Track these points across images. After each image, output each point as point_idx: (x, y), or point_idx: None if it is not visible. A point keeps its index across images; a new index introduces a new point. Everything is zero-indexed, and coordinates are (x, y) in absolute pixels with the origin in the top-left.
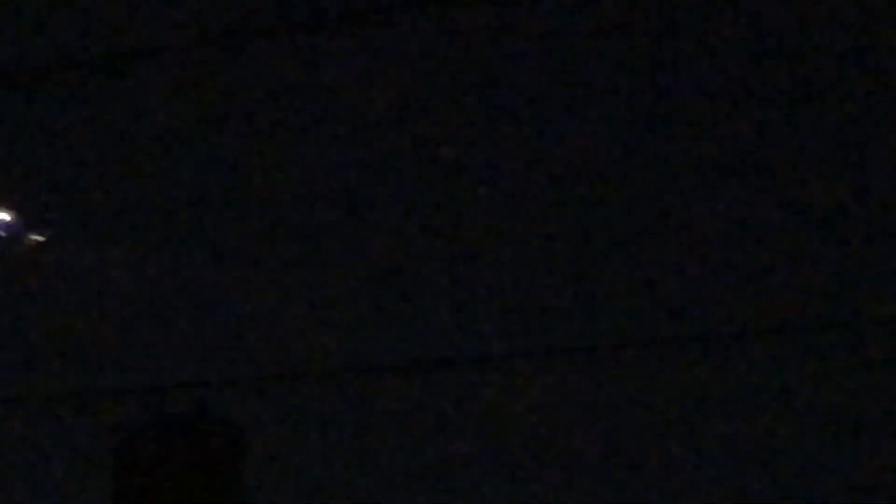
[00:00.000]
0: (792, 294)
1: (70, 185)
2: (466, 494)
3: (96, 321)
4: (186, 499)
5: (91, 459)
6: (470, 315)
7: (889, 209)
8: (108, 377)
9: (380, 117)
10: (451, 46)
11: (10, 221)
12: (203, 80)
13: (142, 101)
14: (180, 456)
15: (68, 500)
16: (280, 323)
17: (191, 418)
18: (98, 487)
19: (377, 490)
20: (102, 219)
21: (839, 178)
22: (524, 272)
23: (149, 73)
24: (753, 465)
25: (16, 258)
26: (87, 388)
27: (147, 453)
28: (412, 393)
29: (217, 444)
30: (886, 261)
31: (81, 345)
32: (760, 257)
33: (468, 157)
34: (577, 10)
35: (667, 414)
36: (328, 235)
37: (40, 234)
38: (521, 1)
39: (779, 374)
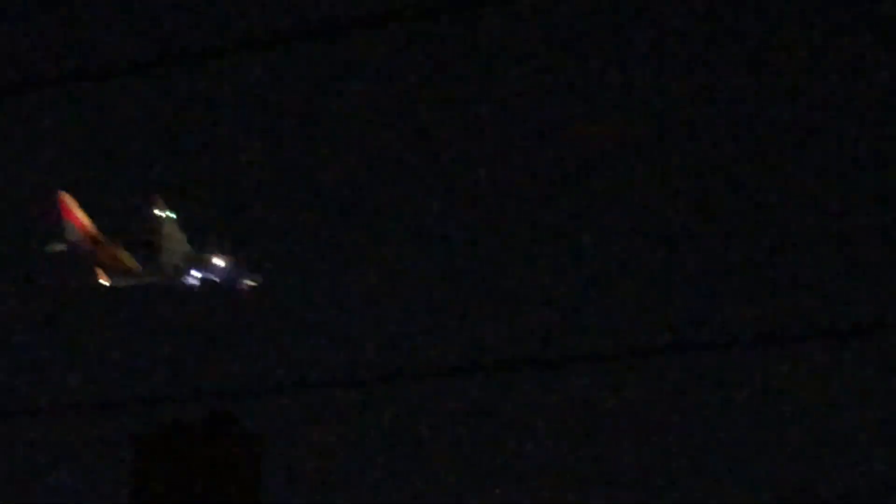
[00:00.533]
0: (804, 302)
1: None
2: (484, 498)
3: (115, 332)
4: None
5: (111, 465)
6: (481, 322)
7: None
8: (127, 386)
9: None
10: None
11: (225, 267)
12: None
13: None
14: (198, 462)
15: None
16: (296, 333)
17: (208, 426)
18: (118, 492)
19: (392, 495)
20: None
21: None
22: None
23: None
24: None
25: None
26: (107, 397)
27: (166, 460)
28: (428, 399)
29: (234, 450)
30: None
31: (101, 355)
32: (780, 266)
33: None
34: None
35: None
36: (344, 247)
37: (253, 280)
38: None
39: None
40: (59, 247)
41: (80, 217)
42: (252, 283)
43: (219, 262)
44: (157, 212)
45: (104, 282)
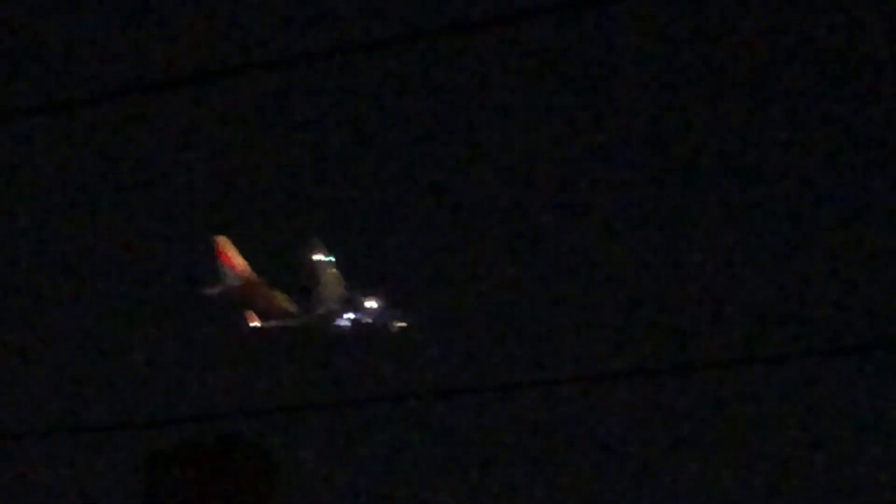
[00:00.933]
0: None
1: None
2: None
3: (129, 352)
4: None
5: (124, 487)
6: (485, 343)
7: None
8: (141, 407)
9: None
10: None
11: (376, 309)
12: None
13: None
14: (211, 483)
15: None
16: (310, 353)
17: (221, 446)
18: None
19: None
20: None
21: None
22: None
23: None
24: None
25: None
26: (121, 418)
27: (179, 481)
28: (437, 420)
29: (247, 471)
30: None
31: (113, 376)
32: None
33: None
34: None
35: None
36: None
37: (404, 321)
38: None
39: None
40: (216, 290)
41: (237, 260)
42: (402, 325)
43: (371, 303)
44: (315, 256)
45: (255, 324)
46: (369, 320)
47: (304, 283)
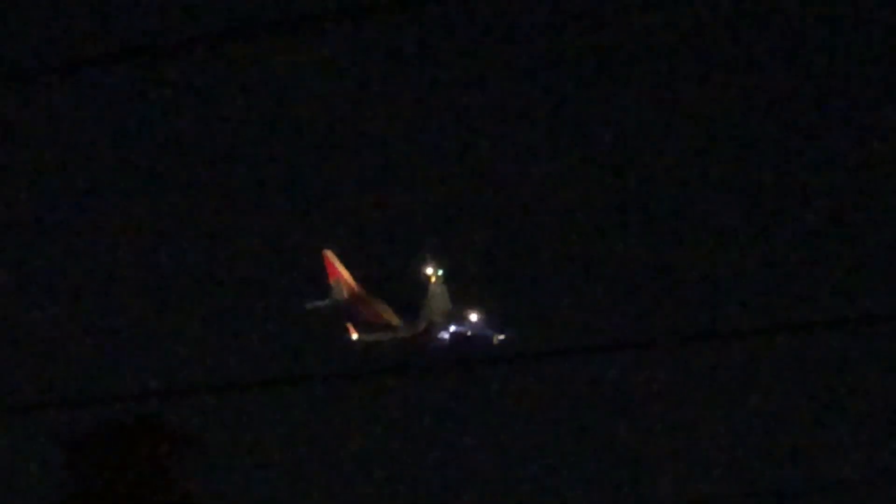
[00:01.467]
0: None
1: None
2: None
3: (45, 330)
4: None
5: (43, 468)
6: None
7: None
8: (61, 387)
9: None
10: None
11: (479, 321)
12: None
13: None
14: (131, 464)
15: None
16: (229, 334)
17: (142, 427)
18: (50, 495)
19: (325, 498)
20: None
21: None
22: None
23: None
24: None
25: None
26: (40, 398)
27: (98, 462)
28: (365, 400)
29: (167, 452)
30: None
31: (33, 355)
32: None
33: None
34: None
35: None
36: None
37: (505, 334)
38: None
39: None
40: (321, 304)
41: (345, 274)
42: (502, 337)
43: (474, 316)
44: (427, 269)
45: (354, 336)
46: (470, 333)
47: (410, 297)
